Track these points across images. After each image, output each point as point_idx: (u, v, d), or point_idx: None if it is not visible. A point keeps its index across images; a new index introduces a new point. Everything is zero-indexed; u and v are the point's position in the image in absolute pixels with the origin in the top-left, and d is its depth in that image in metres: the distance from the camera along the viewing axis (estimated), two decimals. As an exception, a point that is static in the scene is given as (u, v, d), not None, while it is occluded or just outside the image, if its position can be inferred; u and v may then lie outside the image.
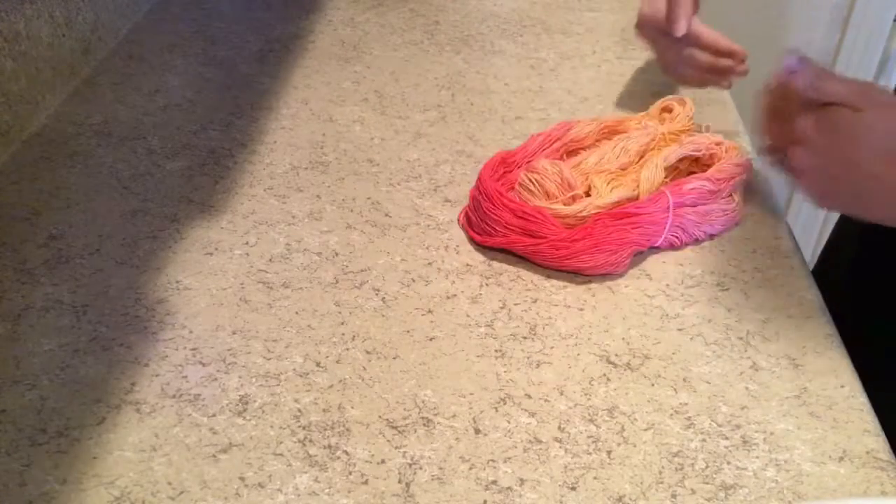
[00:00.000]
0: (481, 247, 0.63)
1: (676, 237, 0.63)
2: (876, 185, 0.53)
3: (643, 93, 0.84)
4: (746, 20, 1.37)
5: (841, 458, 0.48)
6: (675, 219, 0.62)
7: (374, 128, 0.77)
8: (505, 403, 0.51)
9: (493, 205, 0.62)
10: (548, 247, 0.60)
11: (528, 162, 0.67)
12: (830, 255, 0.81)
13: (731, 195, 0.66)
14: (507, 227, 0.61)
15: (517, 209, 0.61)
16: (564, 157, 0.70)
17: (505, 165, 0.67)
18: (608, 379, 0.53)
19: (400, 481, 0.46)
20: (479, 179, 0.65)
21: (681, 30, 0.70)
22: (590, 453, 0.48)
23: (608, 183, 0.65)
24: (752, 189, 0.69)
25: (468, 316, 0.57)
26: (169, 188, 0.68)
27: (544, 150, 0.69)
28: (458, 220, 0.65)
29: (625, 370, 0.53)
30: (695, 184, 0.64)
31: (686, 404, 0.51)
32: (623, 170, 0.67)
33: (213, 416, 0.49)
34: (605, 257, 0.59)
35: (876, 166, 0.52)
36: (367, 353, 0.54)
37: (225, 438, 0.48)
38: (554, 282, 0.60)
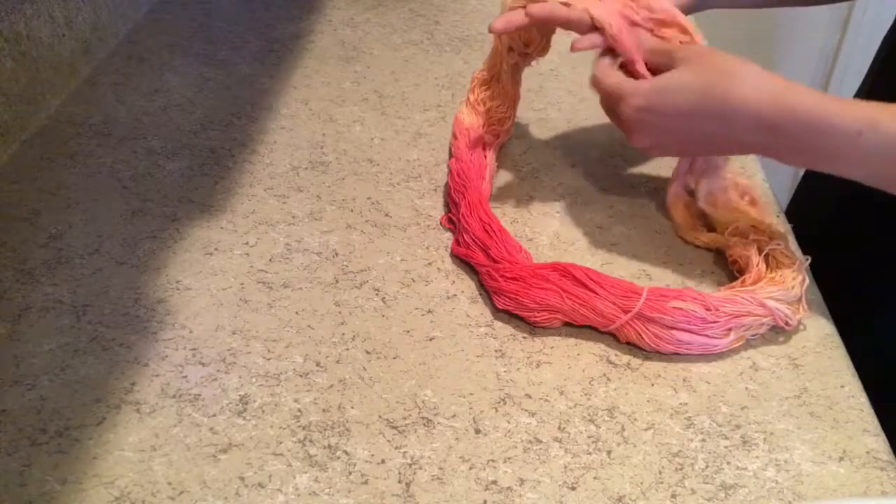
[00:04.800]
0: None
1: (620, 334, 0.55)
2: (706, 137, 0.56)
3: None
4: (748, 19, 1.37)
5: (841, 458, 0.48)
6: (629, 325, 0.53)
7: (374, 128, 0.77)
8: (505, 403, 0.51)
9: (469, 212, 0.61)
10: (487, 272, 0.58)
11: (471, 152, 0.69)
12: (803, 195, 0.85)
13: (728, 332, 0.54)
14: (473, 240, 0.60)
15: (487, 224, 0.60)
16: (484, 145, 0.70)
17: (462, 163, 0.67)
18: (608, 379, 0.53)
19: (400, 481, 0.46)
20: (458, 180, 0.66)
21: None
22: (590, 453, 0.48)
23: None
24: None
25: (468, 316, 0.57)
26: (169, 188, 0.68)
27: (470, 137, 0.70)
28: (441, 222, 0.65)
29: (625, 370, 0.53)
30: (686, 304, 0.53)
31: (686, 404, 0.51)
32: None
33: (213, 416, 0.49)
34: (522, 309, 0.55)
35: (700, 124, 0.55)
36: (367, 353, 0.54)
37: (225, 438, 0.48)
38: (554, 282, 0.60)
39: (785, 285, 0.55)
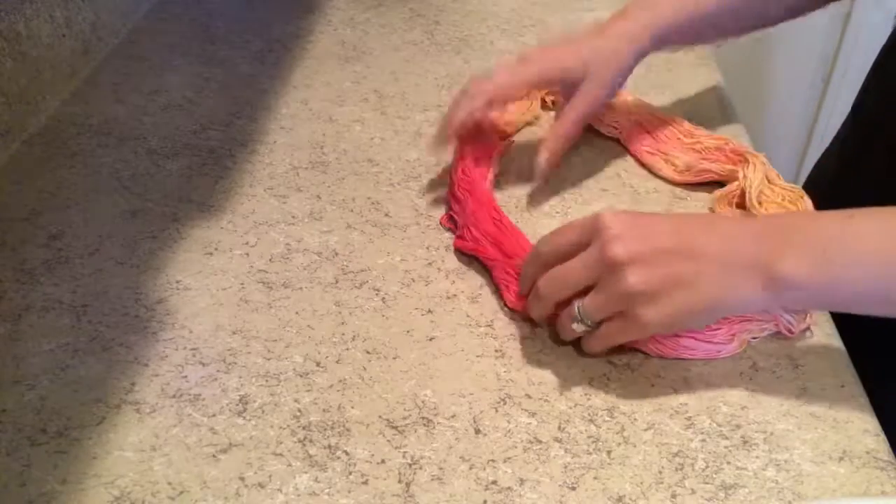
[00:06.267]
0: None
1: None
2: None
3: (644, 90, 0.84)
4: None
5: (841, 458, 0.48)
6: None
7: (374, 128, 0.77)
8: (505, 403, 0.51)
9: (478, 206, 0.61)
10: (501, 266, 0.58)
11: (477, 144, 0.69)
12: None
13: (732, 337, 0.53)
14: (483, 235, 0.60)
15: (497, 219, 0.60)
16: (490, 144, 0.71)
17: (467, 160, 0.67)
18: (608, 379, 0.53)
19: (400, 481, 0.46)
20: (464, 176, 0.65)
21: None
22: (590, 453, 0.48)
23: None
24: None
25: (468, 316, 0.57)
26: (169, 188, 0.68)
27: (481, 134, 0.70)
28: (441, 222, 0.65)
29: (625, 370, 0.53)
30: None
31: (686, 404, 0.51)
32: None
33: (213, 416, 0.49)
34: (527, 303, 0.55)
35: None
36: (367, 353, 0.54)
37: (225, 438, 0.48)
38: (554, 282, 0.60)
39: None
